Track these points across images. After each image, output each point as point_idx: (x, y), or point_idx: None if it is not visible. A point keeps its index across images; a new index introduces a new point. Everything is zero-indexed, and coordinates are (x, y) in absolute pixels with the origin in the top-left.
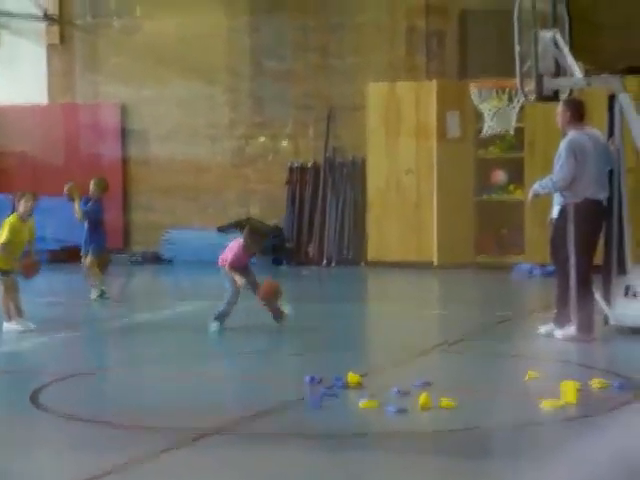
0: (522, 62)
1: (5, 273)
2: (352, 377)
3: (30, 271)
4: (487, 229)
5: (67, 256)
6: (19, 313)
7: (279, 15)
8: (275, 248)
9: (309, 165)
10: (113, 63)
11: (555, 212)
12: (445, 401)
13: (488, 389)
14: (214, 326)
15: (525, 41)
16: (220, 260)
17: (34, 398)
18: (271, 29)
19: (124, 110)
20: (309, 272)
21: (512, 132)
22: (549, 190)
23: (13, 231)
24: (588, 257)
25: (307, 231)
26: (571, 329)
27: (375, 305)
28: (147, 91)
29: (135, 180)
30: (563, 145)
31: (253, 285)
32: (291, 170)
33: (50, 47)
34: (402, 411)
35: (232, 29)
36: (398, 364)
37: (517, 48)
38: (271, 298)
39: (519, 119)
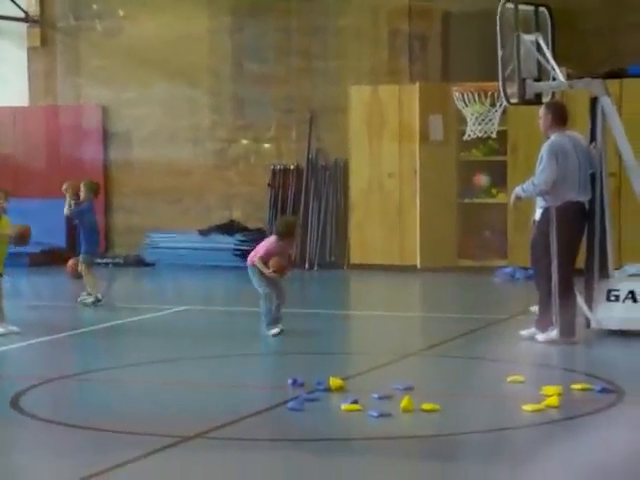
0: (505, 65)
1: None
2: (334, 381)
3: (23, 238)
4: (470, 232)
5: (48, 259)
6: (1, 317)
7: (261, 17)
8: None
9: (292, 167)
10: (95, 65)
11: (537, 215)
12: (427, 405)
13: (470, 393)
14: (273, 331)
15: (508, 44)
16: (249, 260)
17: (14, 402)
18: (253, 31)
19: (106, 112)
20: (291, 275)
21: (494, 135)
22: (530, 193)
23: None
24: (570, 260)
25: None
26: (553, 332)
27: (358, 309)
28: (129, 93)
29: (117, 182)
30: (545, 148)
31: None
32: (274, 173)
33: (31, 49)
34: (385, 415)
35: (214, 31)
36: (381, 368)
37: (500, 51)
38: (280, 272)
39: (502, 122)
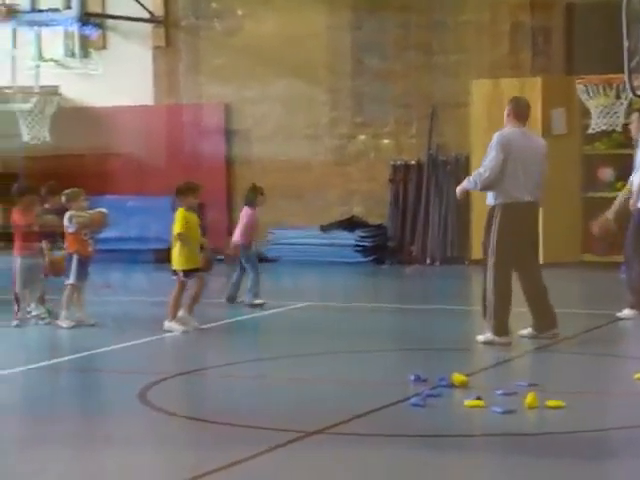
0: (630, 57)
1: (188, 274)
2: (457, 377)
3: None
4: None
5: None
6: (191, 311)
7: (381, 13)
8: (377, 247)
9: (412, 163)
10: (215, 64)
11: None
12: (552, 402)
13: (597, 389)
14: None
15: (633, 35)
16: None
17: (142, 396)
18: (372, 27)
19: (227, 110)
20: (412, 271)
21: (620, 129)
22: (477, 184)
23: (186, 223)
24: (509, 260)
25: (410, 230)
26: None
27: (478, 304)
28: (249, 91)
29: (239, 179)
30: (493, 139)
31: None
32: (394, 168)
33: (156, 49)
34: (509, 411)
35: (333, 27)
36: (504, 364)
37: (625, 43)
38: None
39: (627, 115)
